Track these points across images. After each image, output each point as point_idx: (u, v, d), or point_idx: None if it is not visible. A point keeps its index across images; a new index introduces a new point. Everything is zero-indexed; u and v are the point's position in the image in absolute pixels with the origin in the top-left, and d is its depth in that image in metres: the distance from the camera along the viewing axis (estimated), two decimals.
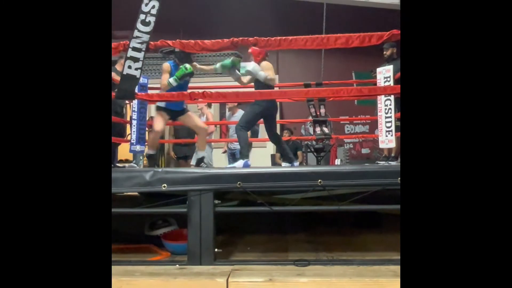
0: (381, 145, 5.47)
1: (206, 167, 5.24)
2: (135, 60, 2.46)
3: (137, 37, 2.45)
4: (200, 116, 6.71)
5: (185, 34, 7.82)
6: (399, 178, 1.77)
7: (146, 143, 5.93)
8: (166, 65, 3.85)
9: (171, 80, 3.64)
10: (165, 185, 1.83)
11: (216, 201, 1.85)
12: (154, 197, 2.26)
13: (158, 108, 3.95)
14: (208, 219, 1.82)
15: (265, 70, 3.59)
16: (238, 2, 7.72)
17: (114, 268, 1.73)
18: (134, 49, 2.45)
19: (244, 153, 3.73)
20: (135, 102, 5.04)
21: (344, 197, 2.07)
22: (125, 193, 2.59)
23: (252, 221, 2.88)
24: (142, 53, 2.47)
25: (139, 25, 2.45)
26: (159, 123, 3.98)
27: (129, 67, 2.47)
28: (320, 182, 1.78)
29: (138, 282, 1.66)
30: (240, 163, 3.64)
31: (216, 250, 1.85)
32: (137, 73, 2.49)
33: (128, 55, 2.46)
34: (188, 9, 7.87)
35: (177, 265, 1.83)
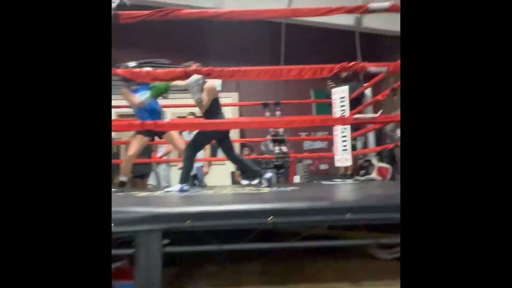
0: (337, 164, 5.59)
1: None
2: None
3: None
4: None
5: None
6: (347, 214, 1.80)
7: None
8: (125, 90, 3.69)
9: (145, 98, 3.49)
10: (112, 225, 1.76)
11: (165, 241, 1.80)
12: None
13: (138, 132, 3.75)
14: (156, 260, 1.76)
15: (205, 90, 3.42)
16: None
17: None
18: None
19: (183, 177, 3.59)
20: None
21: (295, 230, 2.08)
22: None
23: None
24: None
25: None
26: (135, 148, 3.79)
27: None
28: (271, 219, 1.77)
29: None
30: (177, 187, 3.53)
31: None
32: None
33: None
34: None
35: None
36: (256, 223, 1.77)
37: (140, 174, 6.63)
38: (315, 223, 1.81)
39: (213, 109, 3.36)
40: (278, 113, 5.79)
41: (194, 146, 3.63)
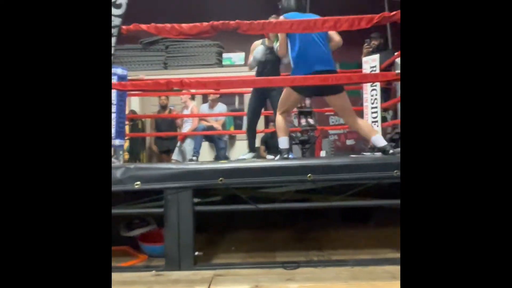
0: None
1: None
2: None
3: None
4: (183, 108, 6.49)
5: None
6: (395, 171, 1.63)
7: (125, 137, 5.70)
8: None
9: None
10: (139, 183, 1.65)
11: (196, 199, 1.68)
12: (132, 195, 2.08)
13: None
14: (187, 220, 1.65)
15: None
16: None
17: None
18: None
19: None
20: (113, 94, 4.82)
21: (333, 189, 1.93)
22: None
23: (235, 217, 2.71)
24: (114, 38, 2.26)
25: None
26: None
27: None
28: (309, 176, 1.62)
29: None
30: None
31: (196, 253, 1.68)
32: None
33: None
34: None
35: (154, 271, 1.66)
36: (294, 180, 1.62)
37: (166, 149, 6.58)
38: (358, 180, 1.65)
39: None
40: (308, 101, 5.61)
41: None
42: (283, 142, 3.29)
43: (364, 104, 5.43)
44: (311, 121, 5.43)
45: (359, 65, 6.11)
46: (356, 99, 6.08)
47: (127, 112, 6.18)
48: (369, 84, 5.26)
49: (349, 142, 8.71)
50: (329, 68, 3.08)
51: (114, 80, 4.56)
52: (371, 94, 5.27)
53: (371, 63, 5.33)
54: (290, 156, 3.48)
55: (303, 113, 5.39)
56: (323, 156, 7.22)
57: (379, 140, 2.86)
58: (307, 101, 5.51)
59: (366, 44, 5.53)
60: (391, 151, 2.67)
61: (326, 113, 8.69)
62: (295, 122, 6.99)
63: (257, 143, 7.11)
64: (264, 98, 4.02)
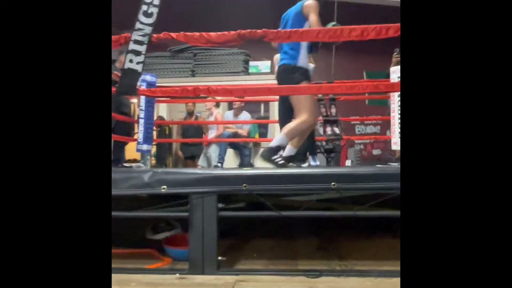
0: (393, 147, 5.27)
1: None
2: (137, 53, 2.32)
3: (139, 29, 2.31)
4: (208, 116, 6.58)
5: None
6: None
7: (153, 142, 5.80)
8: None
9: None
10: (165, 187, 1.69)
11: (220, 205, 1.70)
12: (158, 199, 2.13)
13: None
14: (211, 224, 1.67)
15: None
16: None
17: None
18: (136, 42, 2.31)
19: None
20: (142, 100, 4.92)
21: (358, 199, 1.92)
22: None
23: (259, 224, 2.73)
24: (144, 46, 2.32)
25: (141, 17, 2.31)
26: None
27: (131, 61, 2.33)
28: (334, 185, 1.62)
29: None
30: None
31: (219, 258, 1.71)
32: (139, 68, 2.35)
33: (130, 49, 2.32)
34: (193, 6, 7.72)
35: (177, 274, 1.69)
36: (318, 188, 1.62)
37: (191, 155, 6.67)
38: (383, 190, 1.64)
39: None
40: (334, 110, 5.55)
41: None
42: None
43: (392, 114, 5.36)
44: (336, 130, 5.39)
45: (388, 75, 6.03)
46: (384, 108, 6.02)
47: (155, 118, 6.31)
48: (397, 94, 5.19)
49: (375, 152, 8.61)
50: (282, 62, 2.85)
51: (143, 86, 4.67)
52: (399, 104, 5.20)
53: (399, 73, 5.27)
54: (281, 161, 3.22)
55: (328, 122, 5.35)
56: (348, 165, 7.15)
57: (278, 142, 2.51)
58: (333, 110, 5.47)
59: (395, 54, 5.46)
60: (274, 157, 2.36)
61: (352, 122, 8.65)
62: (321, 130, 6.97)
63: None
64: (291, 108, 3.92)
